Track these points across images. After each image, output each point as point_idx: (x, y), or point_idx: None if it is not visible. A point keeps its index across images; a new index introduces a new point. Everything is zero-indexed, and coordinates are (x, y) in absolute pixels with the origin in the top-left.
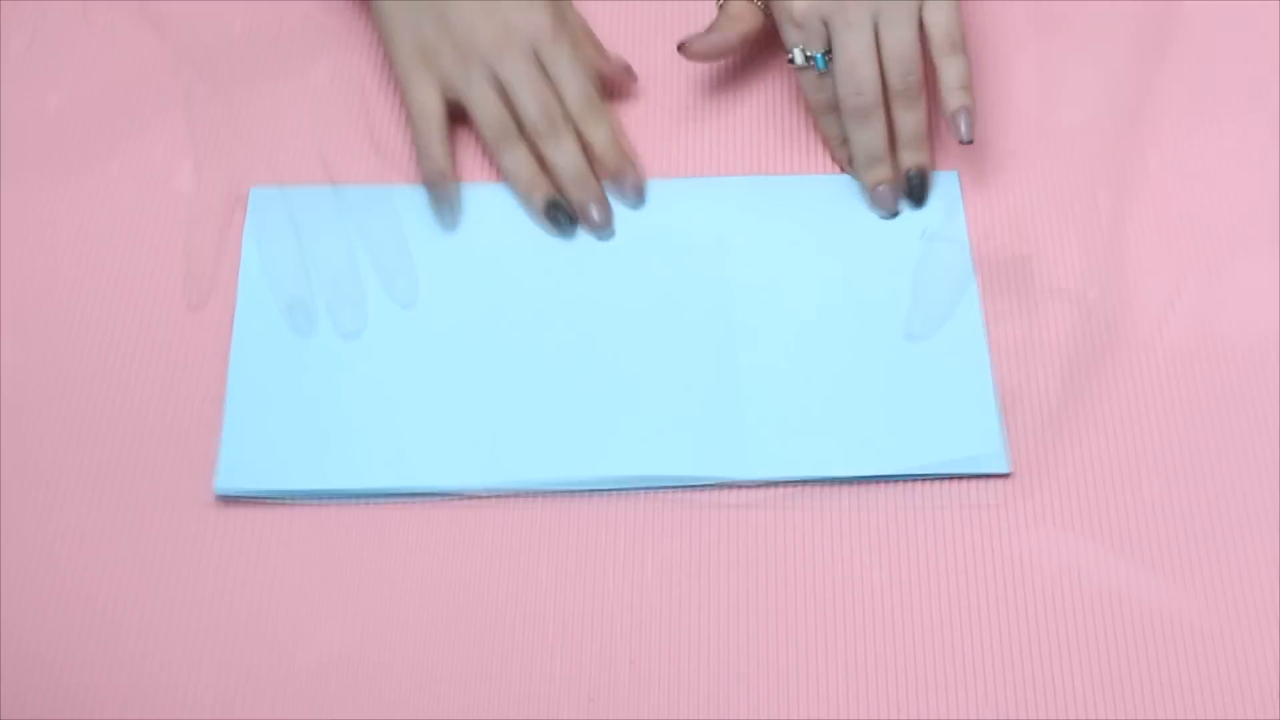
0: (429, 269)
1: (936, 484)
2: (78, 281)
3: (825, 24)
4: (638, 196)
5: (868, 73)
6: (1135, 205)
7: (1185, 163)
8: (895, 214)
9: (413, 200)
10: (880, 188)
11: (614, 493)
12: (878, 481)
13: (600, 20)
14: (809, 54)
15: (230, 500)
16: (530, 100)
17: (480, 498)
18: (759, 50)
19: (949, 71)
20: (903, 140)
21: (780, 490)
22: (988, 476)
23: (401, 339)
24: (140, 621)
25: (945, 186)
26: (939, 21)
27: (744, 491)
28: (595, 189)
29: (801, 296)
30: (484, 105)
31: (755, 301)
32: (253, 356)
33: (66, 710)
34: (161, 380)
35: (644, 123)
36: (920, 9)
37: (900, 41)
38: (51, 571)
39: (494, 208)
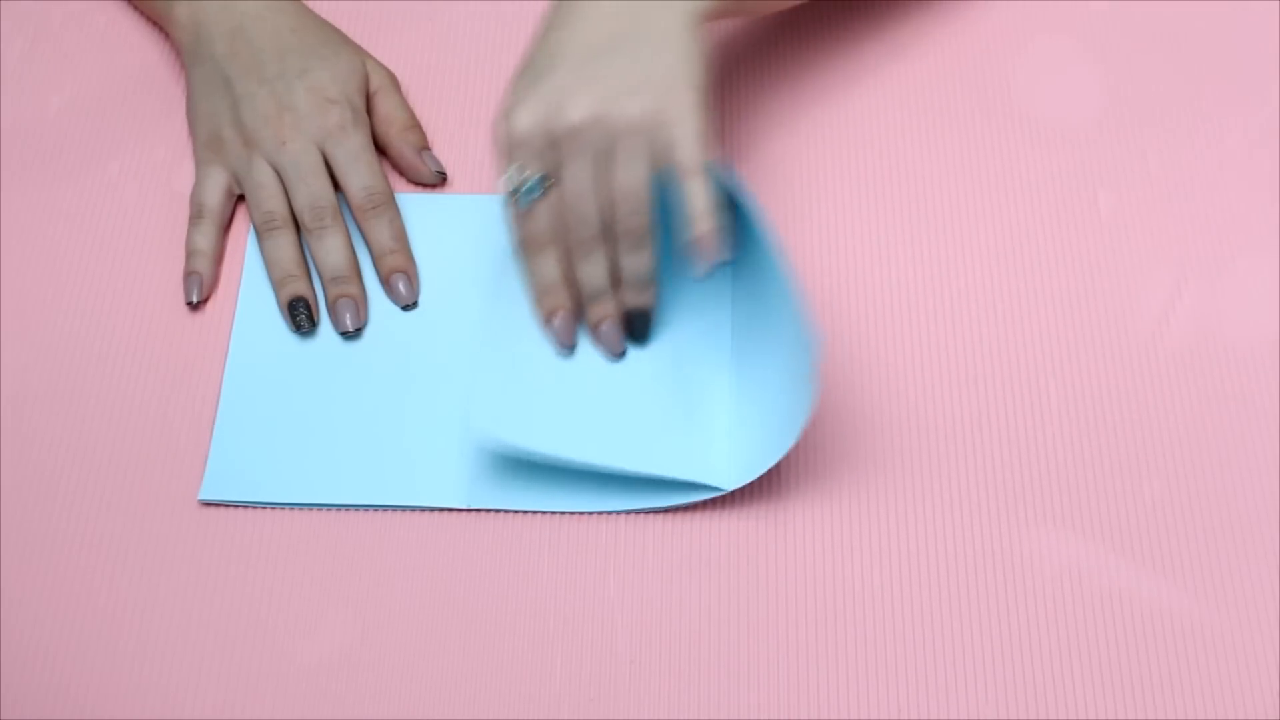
0: (427, 281)
1: (936, 483)
2: (78, 282)
3: (553, 147)
4: (407, 301)
5: (591, 208)
6: (1135, 205)
7: (1185, 163)
8: (621, 354)
9: (411, 206)
10: (602, 326)
11: None
12: (877, 481)
13: None
14: (526, 176)
15: (229, 501)
16: (300, 192)
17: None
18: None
19: (691, 199)
20: (626, 281)
21: (780, 491)
22: (979, 478)
23: (396, 352)
24: (141, 622)
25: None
26: (680, 147)
27: (744, 491)
28: (353, 290)
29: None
30: (256, 193)
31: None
32: (249, 360)
33: (66, 710)
34: (162, 380)
35: None
36: (656, 139)
37: (631, 179)
38: (52, 571)
39: (491, 221)
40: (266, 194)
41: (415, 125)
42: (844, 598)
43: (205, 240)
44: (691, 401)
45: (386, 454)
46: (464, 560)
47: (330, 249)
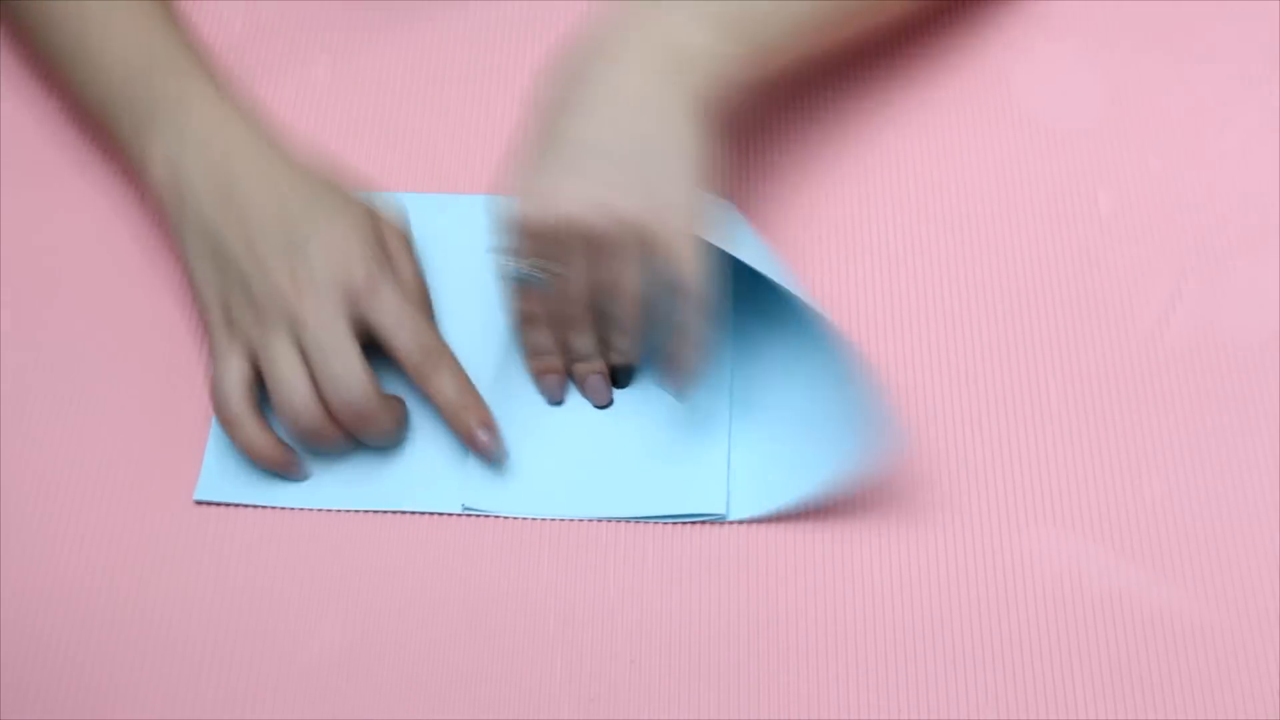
0: (429, 281)
1: (935, 482)
2: (78, 282)
3: (549, 239)
4: (495, 454)
5: (583, 301)
6: (1135, 205)
7: (1185, 163)
8: (608, 404)
9: (414, 207)
10: (589, 380)
11: None
12: (875, 481)
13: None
14: (521, 268)
15: (224, 501)
16: (327, 381)
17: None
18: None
19: (683, 326)
20: (612, 348)
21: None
22: (979, 478)
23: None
24: (142, 621)
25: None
26: (675, 265)
27: None
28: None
29: None
30: (280, 383)
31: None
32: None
33: (68, 710)
34: (162, 379)
35: None
36: (645, 242)
37: (621, 280)
38: (52, 571)
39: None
40: (286, 385)
41: (422, 290)
42: (843, 597)
43: (258, 439)
44: (689, 431)
45: (383, 457)
46: (464, 560)
47: (371, 439)
